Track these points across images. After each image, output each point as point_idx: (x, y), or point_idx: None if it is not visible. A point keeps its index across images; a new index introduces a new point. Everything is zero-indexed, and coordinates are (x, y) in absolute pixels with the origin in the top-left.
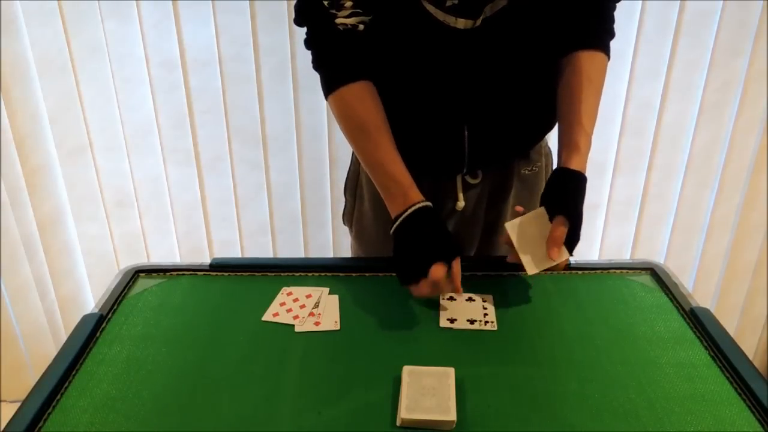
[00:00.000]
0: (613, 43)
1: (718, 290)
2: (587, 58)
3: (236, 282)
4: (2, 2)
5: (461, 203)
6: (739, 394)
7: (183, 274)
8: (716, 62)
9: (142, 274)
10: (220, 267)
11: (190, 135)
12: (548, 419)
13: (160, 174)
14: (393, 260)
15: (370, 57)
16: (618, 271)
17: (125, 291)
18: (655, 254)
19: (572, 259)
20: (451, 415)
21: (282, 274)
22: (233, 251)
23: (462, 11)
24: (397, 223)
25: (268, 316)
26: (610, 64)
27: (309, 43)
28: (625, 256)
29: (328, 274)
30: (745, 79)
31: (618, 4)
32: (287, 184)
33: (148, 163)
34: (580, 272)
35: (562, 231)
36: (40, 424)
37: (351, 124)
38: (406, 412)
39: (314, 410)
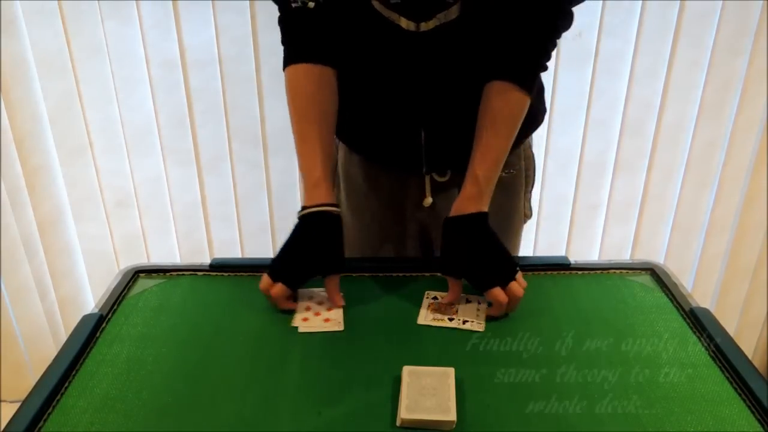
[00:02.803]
0: (613, 43)
1: (717, 290)
2: (499, 94)
3: (236, 282)
4: (2, 2)
5: (428, 200)
6: (739, 394)
7: (183, 275)
8: (716, 62)
9: (142, 275)
10: (220, 267)
11: (190, 135)
12: (548, 419)
13: (160, 174)
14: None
15: (323, 38)
16: (618, 271)
17: (125, 291)
18: (655, 254)
19: (572, 259)
20: (451, 415)
21: None
22: (233, 251)
23: (404, 10)
24: (298, 216)
25: (297, 322)
26: (610, 63)
27: (278, 21)
28: (625, 256)
29: None
30: (745, 78)
31: (567, 31)
32: (287, 184)
33: (148, 163)
34: (580, 272)
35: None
36: (40, 424)
37: (288, 104)
38: (406, 412)
39: (314, 410)
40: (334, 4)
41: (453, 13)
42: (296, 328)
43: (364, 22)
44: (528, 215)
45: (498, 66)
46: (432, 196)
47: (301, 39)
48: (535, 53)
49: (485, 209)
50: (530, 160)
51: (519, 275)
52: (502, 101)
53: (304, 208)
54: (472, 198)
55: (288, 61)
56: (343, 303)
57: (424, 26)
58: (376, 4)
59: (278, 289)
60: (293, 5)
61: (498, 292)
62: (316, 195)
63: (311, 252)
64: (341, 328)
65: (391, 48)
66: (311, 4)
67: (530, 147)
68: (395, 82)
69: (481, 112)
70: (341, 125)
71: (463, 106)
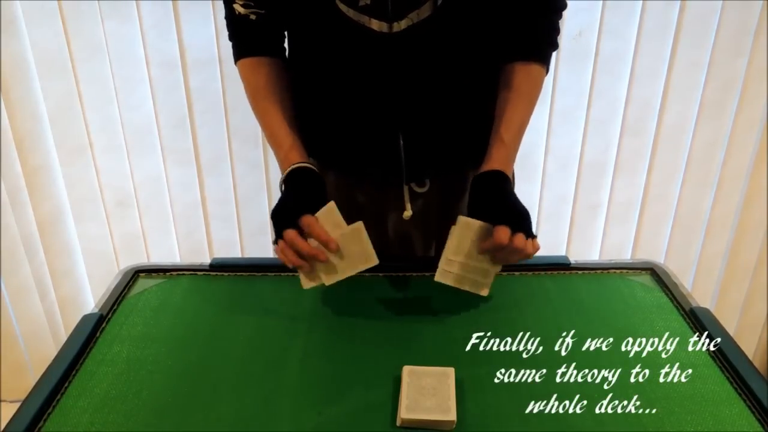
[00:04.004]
0: (613, 43)
1: (717, 290)
2: (520, 71)
3: (236, 282)
4: (2, 2)
5: (408, 213)
6: (739, 394)
7: (183, 274)
8: (716, 62)
9: (142, 274)
10: (220, 267)
11: (190, 135)
12: (548, 419)
13: (160, 174)
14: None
15: (270, 38)
16: (618, 271)
17: (125, 291)
18: (655, 254)
19: (572, 259)
20: (451, 415)
21: (282, 273)
22: (233, 251)
23: (375, 12)
24: (281, 183)
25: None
26: (610, 63)
27: (225, 17)
28: (625, 256)
29: None
30: (745, 78)
31: (564, 13)
32: None
33: (148, 163)
34: (580, 272)
35: (504, 233)
36: (40, 424)
37: (246, 94)
38: (406, 412)
39: (314, 410)
40: (299, 12)
41: (425, 11)
42: (295, 327)
43: (333, 27)
44: None
45: (516, 49)
46: (411, 209)
47: (248, 38)
48: (549, 31)
49: (509, 173)
50: None
51: (535, 241)
52: (526, 78)
53: (283, 172)
54: (501, 160)
55: (238, 56)
56: (333, 244)
57: (397, 27)
58: (344, 9)
59: (290, 235)
60: (236, 13)
61: (504, 231)
62: (292, 159)
63: (297, 195)
64: (376, 262)
65: (363, 52)
66: (253, 17)
67: None
68: (370, 86)
69: (504, 89)
70: (314, 141)
71: (441, 106)
